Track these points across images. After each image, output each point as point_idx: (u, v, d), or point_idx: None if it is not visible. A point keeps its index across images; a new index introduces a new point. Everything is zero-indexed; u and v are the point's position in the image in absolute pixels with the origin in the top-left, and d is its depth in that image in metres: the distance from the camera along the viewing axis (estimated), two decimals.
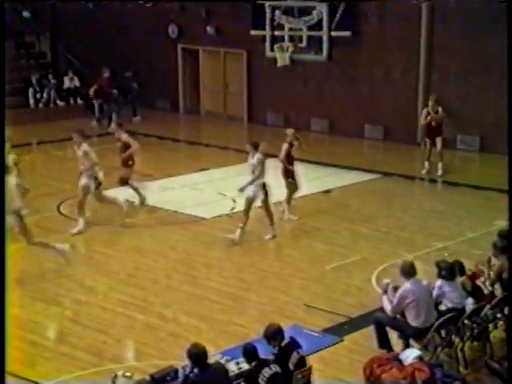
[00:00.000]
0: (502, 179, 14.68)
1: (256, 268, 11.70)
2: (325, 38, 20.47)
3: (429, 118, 16.32)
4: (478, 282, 9.01)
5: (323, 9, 20.19)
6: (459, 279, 8.96)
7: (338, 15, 20.03)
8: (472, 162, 17.99)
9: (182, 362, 7.31)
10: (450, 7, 18.61)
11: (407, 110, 19.61)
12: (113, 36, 24.42)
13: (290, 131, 13.87)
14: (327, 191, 15.05)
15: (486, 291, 8.96)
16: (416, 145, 19.40)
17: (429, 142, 16.48)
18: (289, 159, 13.63)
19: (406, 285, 8.40)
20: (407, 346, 8.36)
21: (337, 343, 9.27)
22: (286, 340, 7.39)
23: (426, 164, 16.64)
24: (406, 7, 19.16)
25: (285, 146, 13.62)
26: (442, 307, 8.70)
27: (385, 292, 8.69)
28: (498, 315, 8.81)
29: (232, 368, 7.30)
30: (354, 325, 9.71)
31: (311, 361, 7.92)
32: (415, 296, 8.33)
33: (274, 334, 7.36)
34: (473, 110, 18.63)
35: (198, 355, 6.84)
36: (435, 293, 8.68)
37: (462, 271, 9.09)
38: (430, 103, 16.48)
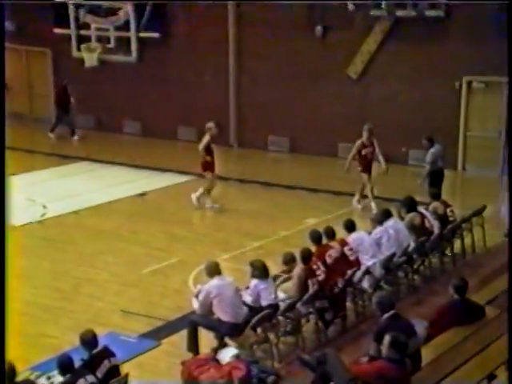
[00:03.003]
0: (310, 179, 15.29)
1: (70, 276, 11.34)
2: (133, 39, 20.26)
3: None
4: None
5: (129, 9, 19.94)
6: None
7: (145, 16, 19.88)
8: (283, 163, 18.57)
9: None
10: (257, 11, 18.95)
11: (220, 113, 19.81)
12: None
13: (211, 124, 14.10)
14: (142, 194, 14.88)
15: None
16: (228, 146, 19.67)
17: None
18: (208, 151, 13.97)
19: (212, 281, 8.67)
20: (224, 345, 8.43)
21: (155, 347, 9.18)
22: (99, 348, 7.20)
23: None
24: (213, 10, 19.32)
25: (206, 139, 13.90)
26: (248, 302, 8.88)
27: (196, 296, 8.87)
28: (310, 310, 9.10)
29: (43, 383, 6.99)
30: (171, 327, 9.65)
31: (129, 367, 7.78)
32: (220, 291, 8.58)
33: (88, 340, 7.17)
34: (282, 113, 19.14)
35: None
36: (251, 293, 8.82)
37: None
38: None
